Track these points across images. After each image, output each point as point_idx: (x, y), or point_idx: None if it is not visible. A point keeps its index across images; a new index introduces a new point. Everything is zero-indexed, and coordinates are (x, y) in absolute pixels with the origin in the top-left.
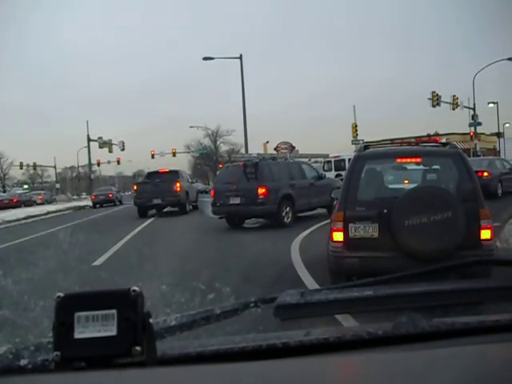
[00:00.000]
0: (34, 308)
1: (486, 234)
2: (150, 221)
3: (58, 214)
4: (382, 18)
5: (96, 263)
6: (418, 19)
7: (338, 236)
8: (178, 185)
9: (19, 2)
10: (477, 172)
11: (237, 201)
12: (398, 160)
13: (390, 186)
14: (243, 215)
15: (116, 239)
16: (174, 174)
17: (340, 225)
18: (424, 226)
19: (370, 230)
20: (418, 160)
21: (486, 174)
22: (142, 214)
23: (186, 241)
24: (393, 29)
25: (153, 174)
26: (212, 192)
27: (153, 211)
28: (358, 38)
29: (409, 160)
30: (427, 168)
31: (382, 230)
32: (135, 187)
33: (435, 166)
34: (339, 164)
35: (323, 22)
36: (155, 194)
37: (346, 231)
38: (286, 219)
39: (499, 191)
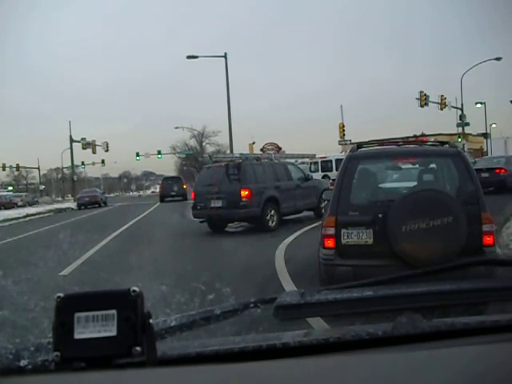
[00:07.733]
0: None
1: (488, 240)
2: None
3: (37, 216)
4: (370, 18)
5: (64, 272)
6: (406, 20)
7: (330, 243)
8: None
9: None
10: (495, 169)
11: (218, 204)
12: (394, 160)
13: (386, 189)
14: (225, 219)
15: (90, 245)
16: None
17: (331, 231)
18: (423, 231)
19: (365, 236)
20: (416, 160)
21: (503, 170)
22: None
23: (159, 248)
24: (381, 29)
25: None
26: (192, 194)
27: None
28: (345, 39)
29: (405, 160)
30: (425, 169)
31: (378, 236)
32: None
33: (434, 167)
34: (326, 165)
35: (311, 22)
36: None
37: (338, 237)
38: (270, 223)
39: None
